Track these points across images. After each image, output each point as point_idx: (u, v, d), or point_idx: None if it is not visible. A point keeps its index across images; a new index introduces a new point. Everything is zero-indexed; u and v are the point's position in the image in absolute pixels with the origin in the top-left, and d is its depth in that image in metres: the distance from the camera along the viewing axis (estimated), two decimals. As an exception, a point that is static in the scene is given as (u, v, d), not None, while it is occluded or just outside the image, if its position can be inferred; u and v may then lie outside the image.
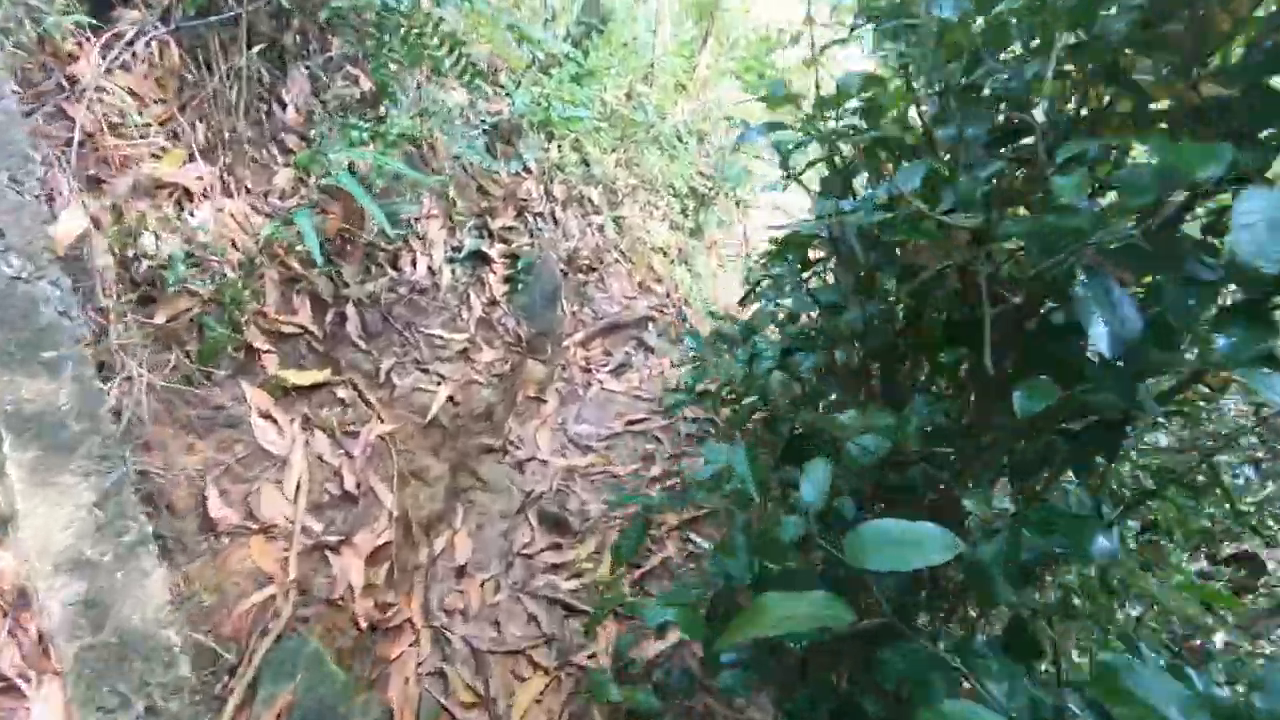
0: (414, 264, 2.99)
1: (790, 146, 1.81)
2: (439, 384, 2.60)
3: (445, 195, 3.47)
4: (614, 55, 5.34)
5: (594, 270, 4.20)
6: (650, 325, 4.11)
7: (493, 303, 3.17)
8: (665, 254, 5.65)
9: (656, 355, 3.85)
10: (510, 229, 3.62)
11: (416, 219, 3.20)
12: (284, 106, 2.89)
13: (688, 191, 6.33)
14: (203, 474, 1.89)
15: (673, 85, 6.08)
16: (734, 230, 7.30)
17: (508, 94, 3.92)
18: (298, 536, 1.94)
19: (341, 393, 2.34)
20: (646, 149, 5.65)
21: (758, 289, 2.29)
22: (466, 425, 2.61)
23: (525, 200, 3.91)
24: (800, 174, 1.92)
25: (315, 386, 2.28)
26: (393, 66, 2.77)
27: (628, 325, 3.90)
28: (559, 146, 4.50)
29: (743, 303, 2.42)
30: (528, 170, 4.10)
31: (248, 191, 2.49)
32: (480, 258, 3.31)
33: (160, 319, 2.01)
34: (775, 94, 1.61)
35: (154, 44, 2.36)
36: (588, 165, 4.83)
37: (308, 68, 3.07)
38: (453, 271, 3.12)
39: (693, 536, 2.51)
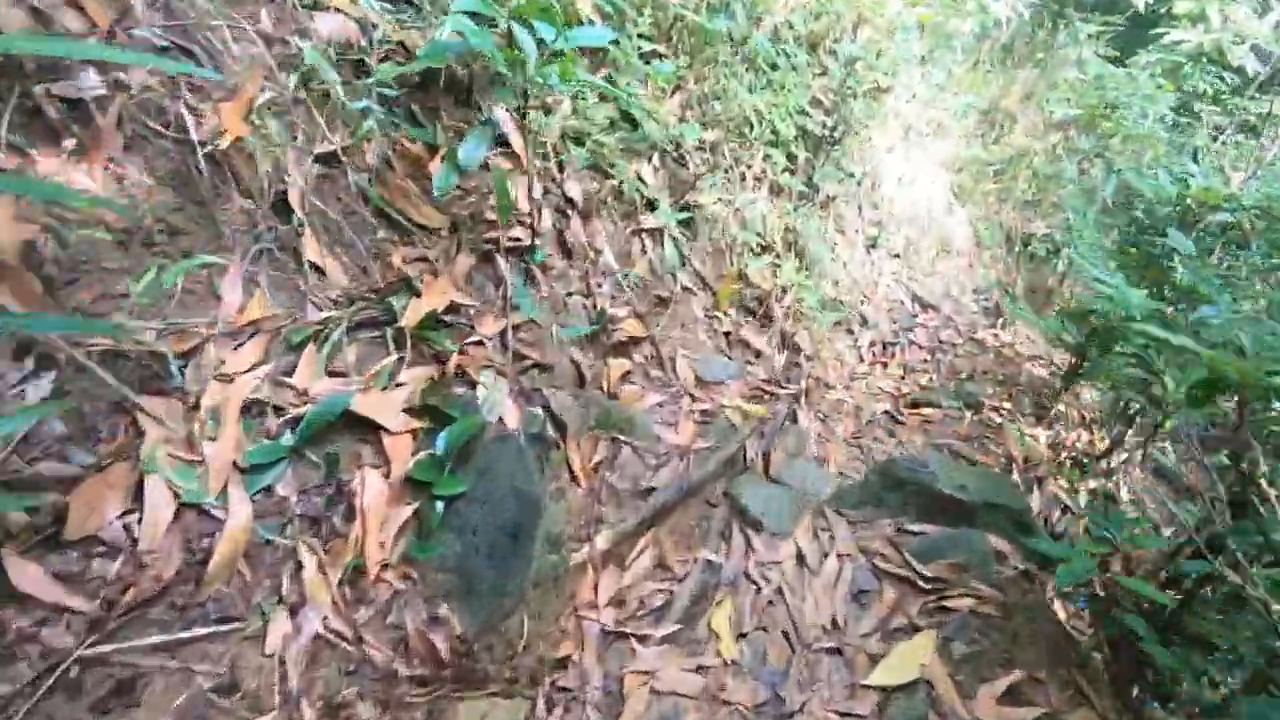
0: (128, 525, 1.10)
1: None
2: None
3: (277, 253, 1.51)
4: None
5: (640, 341, 2.17)
6: (749, 452, 2.09)
7: (363, 572, 1.24)
8: (767, 249, 3.48)
9: (766, 535, 1.85)
10: (439, 327, 1.63)
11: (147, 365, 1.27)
12: None
13: (796, 134, 4.03)
14: None
15: (773, -35, 3.68)
16: (860, 176, 4.96)
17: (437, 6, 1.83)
18: None
19: None
20: (732, 75, 3.38)
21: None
22: None
23: (494, 234, 1.88)
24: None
25: None
26: None
27: (703, 482, 1.90)
28: (575, 100, 2.40)
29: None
30: (509, 154, 2.04)
31: None
32: (347, 429, 1.37)
33: None
34: None
35: None
36: (633, 124, 2.70)
37: None
38: (252, 500, 1.21)
39: None
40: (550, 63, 1.66)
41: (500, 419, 1.55)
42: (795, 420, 2.87)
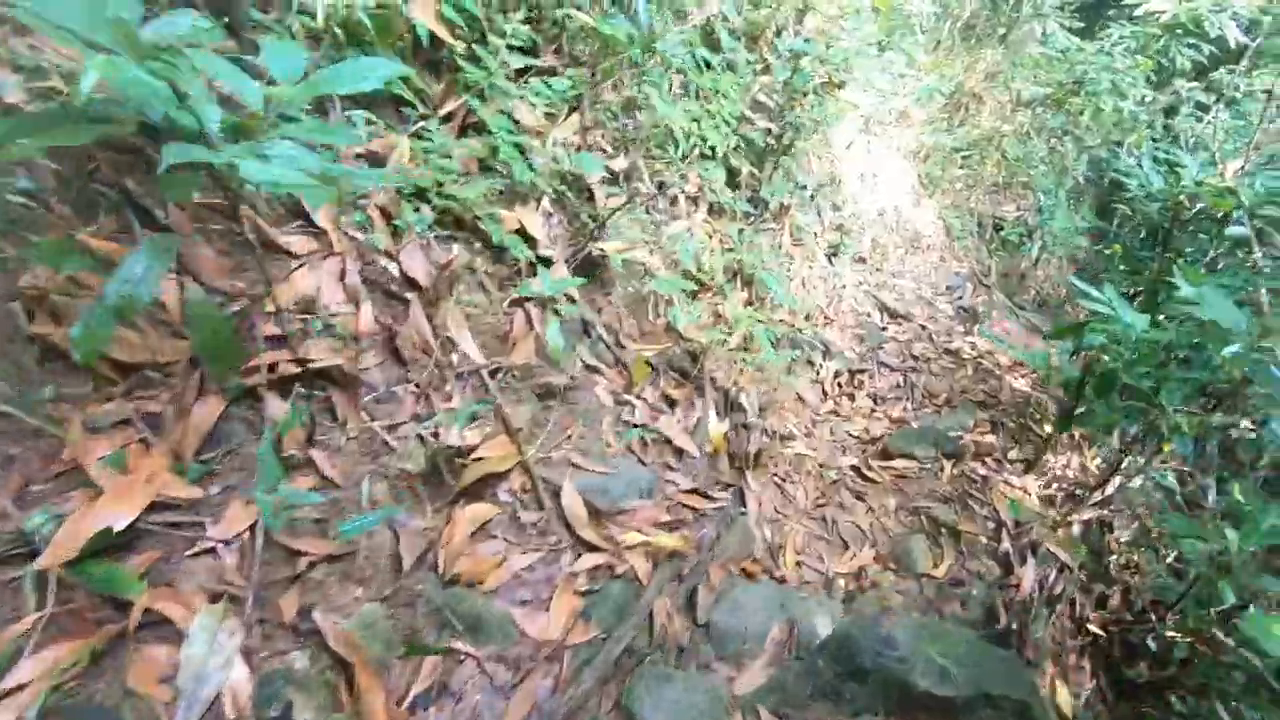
0: None
1: None
2: None
3: None
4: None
5: (508, 473, 1.59)
6: (658, 619, 1.52)
7: None
8: (705, 288, 2.90)
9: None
10: (129, 546, 1.04)
11: None
12: None
13: (736, 145, 3.45)
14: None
15: (692, -53, 3.06)
16: (816, 187, 4.39)
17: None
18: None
19: None
20: (649, 84, 2.77)
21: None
22: None
23: (265, 360, 1.28)
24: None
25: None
26: None
27: (583, 700, 1.32)
28: (414, 141, 1.75)
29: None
30: (311, 232, 1.42)
31: None
32: None
33: None
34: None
35: None
36: (514, 157, 2.08)
37: None
38: None
39: None
40: (285, 121, 1.06)
41: (219, 698, 0.97)
42: (742, 501, 2.32)
